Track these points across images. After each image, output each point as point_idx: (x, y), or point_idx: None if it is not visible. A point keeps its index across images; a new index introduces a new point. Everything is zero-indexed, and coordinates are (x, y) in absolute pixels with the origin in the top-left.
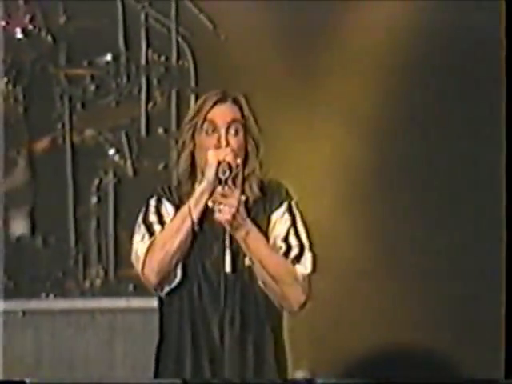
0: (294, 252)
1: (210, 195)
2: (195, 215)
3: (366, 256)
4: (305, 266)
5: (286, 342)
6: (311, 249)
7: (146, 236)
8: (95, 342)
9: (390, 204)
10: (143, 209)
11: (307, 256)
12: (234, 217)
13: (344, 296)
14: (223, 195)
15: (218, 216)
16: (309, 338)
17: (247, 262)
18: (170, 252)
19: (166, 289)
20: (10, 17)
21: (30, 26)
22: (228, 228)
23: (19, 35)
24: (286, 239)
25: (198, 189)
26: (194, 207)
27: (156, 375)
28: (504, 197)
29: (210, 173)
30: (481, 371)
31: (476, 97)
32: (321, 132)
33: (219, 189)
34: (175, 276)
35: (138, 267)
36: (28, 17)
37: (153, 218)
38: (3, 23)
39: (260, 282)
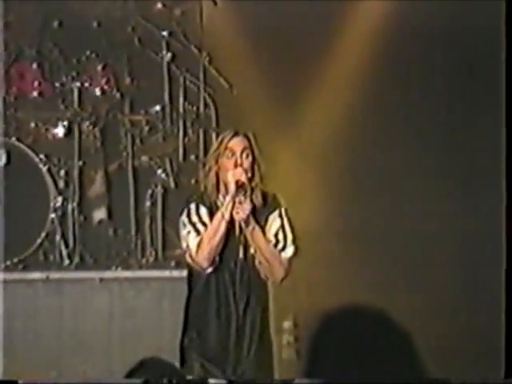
0: (281, 244)
1: (233, 204)
2: (227, 217)
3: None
4: (287, 254)
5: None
6: (293, 242)
7: (192, 232)
8: (150, 302)
9: (386, 195)
10: (185, 211)
11: (290, 247)
12: (247, 217)
13: (325, 258)
14: (240, 202)
15: (236, 216)
16: (293, 294)
17: (252, 251)
18: (214, 245)
19: (211, 269)
20: (91, 79)
21: (106, 87)
22: (243, 224)
23: (98, 93)
24: (276, 235)
25: (226, 200)
26: (225, 212)
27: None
28: (504, 196)
29: (231, 190)
30: (481, 371)
31: (476, 96)
32: (310, 155)
33: (237, 199)
34: (216, 261)
35: (190, 254)
36: (104, 80)
37: (195, 218)
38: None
39: (257, 262)
